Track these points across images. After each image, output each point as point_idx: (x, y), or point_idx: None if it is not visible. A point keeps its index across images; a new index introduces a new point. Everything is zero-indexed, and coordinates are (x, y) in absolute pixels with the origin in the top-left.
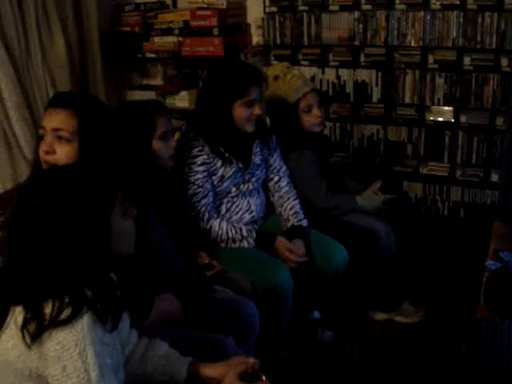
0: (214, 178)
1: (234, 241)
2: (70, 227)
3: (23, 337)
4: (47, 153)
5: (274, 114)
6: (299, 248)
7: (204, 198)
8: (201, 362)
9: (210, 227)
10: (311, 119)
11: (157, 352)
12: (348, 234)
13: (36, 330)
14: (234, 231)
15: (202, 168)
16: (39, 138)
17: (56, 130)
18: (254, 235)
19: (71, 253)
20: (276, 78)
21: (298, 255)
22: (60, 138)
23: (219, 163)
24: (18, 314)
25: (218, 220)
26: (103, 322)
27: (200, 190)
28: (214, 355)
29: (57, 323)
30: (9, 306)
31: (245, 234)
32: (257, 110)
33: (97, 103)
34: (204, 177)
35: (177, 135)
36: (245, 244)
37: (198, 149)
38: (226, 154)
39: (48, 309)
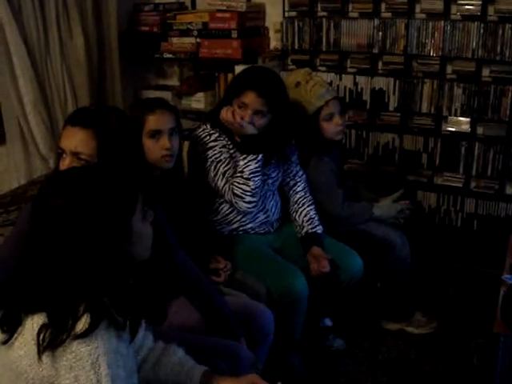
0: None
1: (241, 171)
2: (93, 229)
3: (38, 346)
4: None
5: (294, 120)
6: (323, 256)
7: (236, 173)
8: (214, 374)
9: (236, 190)
10: (332, 127)
11: (171, 358)
12: (363, 243)
13: (52, 342)
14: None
15: (224, 149)
16: (59, 154)
17: (75, 153)
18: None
19: (92, 256)
20: (297, 84)
21: (324, 266)
22: (79, 159)
23: (238, 153)
24: (32, 323)
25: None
26: (120, 329)
27: (230, 165)
28: (228, 362)
29: (74, 336)
30: (23, 313)
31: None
32: (245, 116)
33: (117, 117)
34: (229, 156)
35: None
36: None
37: (216, 135)
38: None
39: (64, 318)
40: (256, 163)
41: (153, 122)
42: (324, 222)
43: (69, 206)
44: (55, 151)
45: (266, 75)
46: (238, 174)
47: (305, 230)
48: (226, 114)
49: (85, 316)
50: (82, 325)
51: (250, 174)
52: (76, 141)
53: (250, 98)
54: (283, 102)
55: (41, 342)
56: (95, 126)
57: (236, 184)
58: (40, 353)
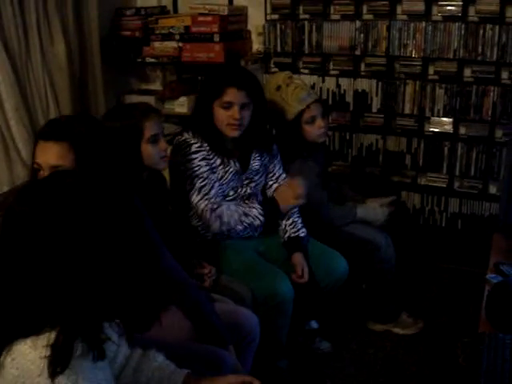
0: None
1: (246, 215)
2: (67, 241)
3: (50, 367)
4: None
5: (276, 124)
6: (302, 264)
7: (212, 188)
8: (197, 376)
9: (222, 211)
10: (315, 130)
11: (152, 364)
12: (348, 245)
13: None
14: (239, 207)
15: (203, 162)
16: (36, 170)
17: (54, 167)
18: (257, 211)
19: (67, 273)
20: (278, 88)
21: (300, 276)
22: None
23: (218, 161)
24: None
25: (226, 204)
26: (95, 349)
27: (206, 181)
28: (212, 368)
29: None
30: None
31: (247, 210)
32: (235, 114)
33: (89, 125)
34: (208, 169)
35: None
36: (255, 220)
37: (197, 145)
38: (223, 157)
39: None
40: (259, 227)
41: (151, 127)
42: (308, 224)
43: (36, 216)
44: None
45: (238, 68)
46: (240, 211)
47: (287, 234)
48: None
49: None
50: (62, 347)
51: (246, 223)
52: (53, 156)
53: (231, 94)
54: (260, 91)
55: (52, 362)
56: (69, 138)
57: (230, 212)
58: (53, 374)
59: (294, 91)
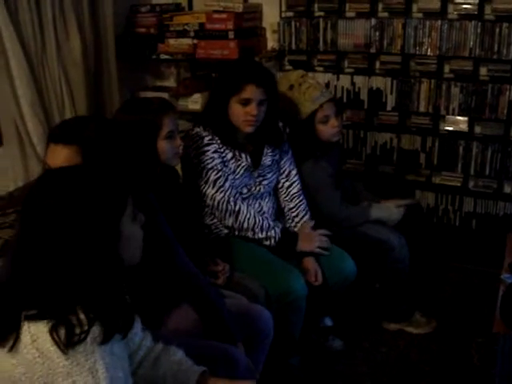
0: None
1: (261, 229)
2: (80, 230)
3: (57, 345)
4: None
5: (289, 123)
6: (314, 269)
7: (227, 180)
8: (212, 375)
9: (239, 209)
10: (328, 129)
11: (171, 357)
12: (362, 245)
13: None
14: (260, 218)
15: (216, 155)
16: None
17: None
18: (275, 233)
19: (81, 259)
20: (291, 87)
21: (315, 280)
22: None
23: (229, 155)
24: (29, 331)
25: (246, 203)
26: (112, 334)
27: (220, 173)
28: (223, 366)
29: (72, 343)
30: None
31: (266, 226)
32: (253, 110)
33: (98, 127)
34: (221, 162)
35: None
36: (267, 241)
37: (208, 137)
38: (235, 150)
39: (61, 327)
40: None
41: (169, 123)
42: (322, 223)
43: (53, 207)
44: None
45: (257, 65)
46: (259, 222)
47: None
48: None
49: (80, 321)
50: (77, 330)
51: (257, 237)
52: (61, 159)
53: (250, 91)
54: (275, 88)
55: (57, 339)
56: (78, 142)
57: (248, 215)
58: (64, 350)
59: (307, 91)
